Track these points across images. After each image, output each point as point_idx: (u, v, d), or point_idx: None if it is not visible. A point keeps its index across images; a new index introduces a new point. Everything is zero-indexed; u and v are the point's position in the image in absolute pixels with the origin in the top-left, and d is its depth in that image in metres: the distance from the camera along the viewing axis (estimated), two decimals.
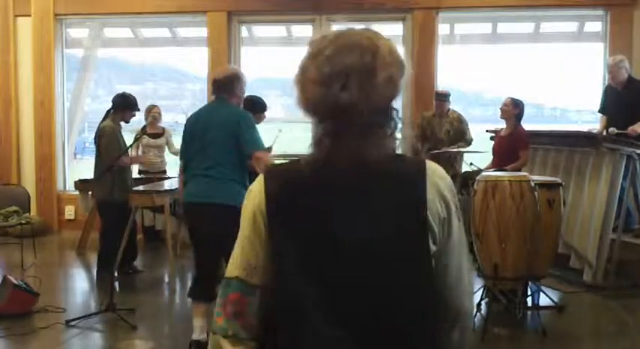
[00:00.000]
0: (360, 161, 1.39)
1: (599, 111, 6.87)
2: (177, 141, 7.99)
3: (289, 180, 1.45)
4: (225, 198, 3.96)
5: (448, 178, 1.48)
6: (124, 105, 6.10)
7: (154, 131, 7.67)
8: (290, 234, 1.43)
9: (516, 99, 6.05)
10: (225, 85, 4.17)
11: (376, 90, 1.39)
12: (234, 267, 1.51)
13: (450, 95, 7.45)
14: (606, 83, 7.01)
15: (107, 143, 5.94)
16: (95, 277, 6.26)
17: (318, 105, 1.40)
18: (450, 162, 6.98)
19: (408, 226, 1.40)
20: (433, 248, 1.43)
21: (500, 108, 6.07)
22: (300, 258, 1.41)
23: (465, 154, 6.92)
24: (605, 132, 6.19)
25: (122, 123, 6.18)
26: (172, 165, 8.04)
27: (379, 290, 1.40)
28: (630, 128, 6.01)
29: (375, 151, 1.39)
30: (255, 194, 1.48)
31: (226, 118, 4.08)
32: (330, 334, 1.40)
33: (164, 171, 7.86)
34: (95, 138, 6.16)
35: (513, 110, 5.98)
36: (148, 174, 7.62)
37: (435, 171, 1.45)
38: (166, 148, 7.88)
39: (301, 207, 1.42)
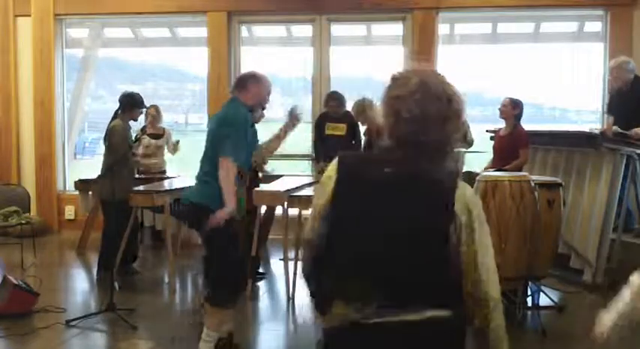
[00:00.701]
0: (409, 173, 1.80)
1: (607, 113, 6.82)
2: None
3: (353, 169, 1.87)
4: (200, 198, 3.85)
5: (473, 194, 1.88)
6: (131, 104, 6.17)
7: (155, 132, 7.66)
8: (340, 210, 1.84)
9: (515, 99, 6.04)
10: (240, 80, 4.11)
11: (446, 133, 1.83)
12: (307, 229, 1.93)
13: None
14: (606, 83, 6.98)
15: (118, 142, 5.97)
16: (95, 277, 6.27)
17: (400, 138, 1.84)
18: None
19: (433, 224, 1.79)
20: (463, 248, 1.81)
21: (499, 109, 6.07)
22: (339, 234, 1.83)
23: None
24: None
25: (131, 123, 6.22)
26: (172, 165, 8.05)
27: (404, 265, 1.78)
28: (634, 130, 5.94)
29: (428, 169, 1.80)
30: (330, 169, 1.90)
31: (215, 119, 3.99)
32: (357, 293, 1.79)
33: (164, 171, 7.85)
34: (105, 138, 6.19)
35: (512, 110, 5.98)
36: (148, 174, 7.62)
37: (464, 186, 1.84)
38: (165, 149, 7.86)
39: (352, 193, 1.83)
